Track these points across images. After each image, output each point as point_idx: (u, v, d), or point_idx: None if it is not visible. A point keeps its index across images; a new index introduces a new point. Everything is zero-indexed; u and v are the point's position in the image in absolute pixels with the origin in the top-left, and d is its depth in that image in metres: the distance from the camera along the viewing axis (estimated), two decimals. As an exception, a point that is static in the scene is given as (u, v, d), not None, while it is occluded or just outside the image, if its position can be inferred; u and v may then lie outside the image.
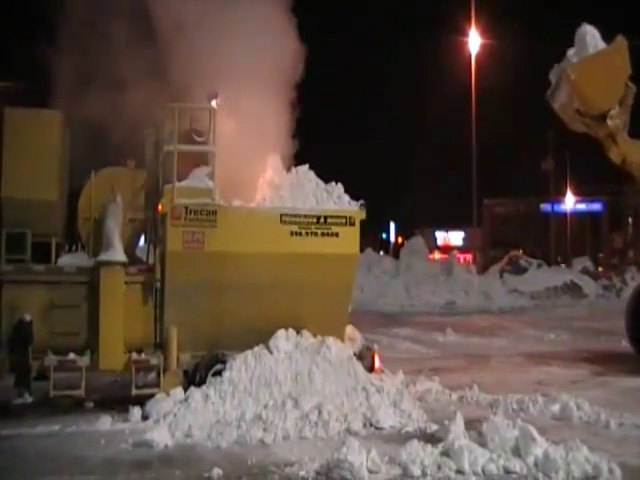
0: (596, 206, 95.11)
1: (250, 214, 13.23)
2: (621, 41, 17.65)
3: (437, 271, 46.72)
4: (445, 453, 9.72)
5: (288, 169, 14.04)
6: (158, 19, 13.79)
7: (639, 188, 19.87)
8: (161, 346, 13.15)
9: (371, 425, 11.97)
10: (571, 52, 18.12)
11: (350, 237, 13.63)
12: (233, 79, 13.90)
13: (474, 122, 58.13)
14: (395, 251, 62.80)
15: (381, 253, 60.51)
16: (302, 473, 9.43)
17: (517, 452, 9.70)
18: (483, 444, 9.89)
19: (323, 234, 13.45)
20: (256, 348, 12.83)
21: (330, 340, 13.14)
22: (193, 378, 12.88)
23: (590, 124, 18.09)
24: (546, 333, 25.91)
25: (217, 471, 9.41)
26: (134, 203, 13.92)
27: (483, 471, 9.41)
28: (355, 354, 13.55)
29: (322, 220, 13.44)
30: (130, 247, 13.76)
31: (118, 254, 13.05)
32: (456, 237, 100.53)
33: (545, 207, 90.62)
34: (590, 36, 17.69)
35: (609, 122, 17.70)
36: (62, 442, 11.07)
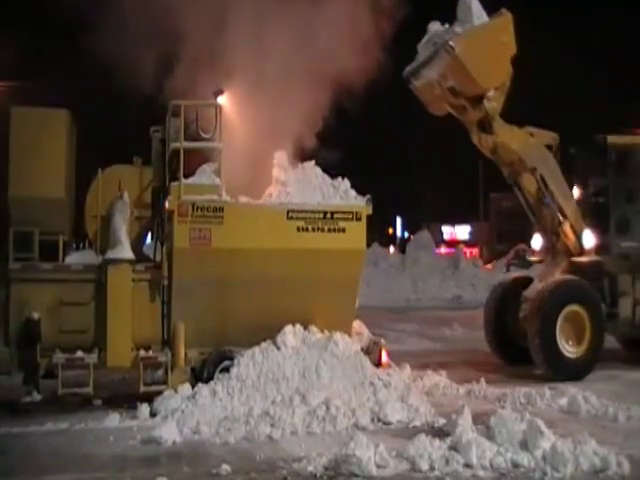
0: (602, 199, 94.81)
1: (257, 210, 13.25)
2: (507, 15, 16.16)
3: (444, 265, 46.71)
4: (453, 447, 9.73)
5: (294, 165, 14.07)
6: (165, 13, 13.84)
7: (512, 181, 17.80)
8: (169, 343, 13.17)
9: (379, 420, 11.98)
10: (435, 26, 16.52)
11: (357, 232, 13.65)
12: (242, 75, 13.95)
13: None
14: (402, 246, 62.72)
15: (391, 248, 60.30)
16: (310, 468, 9.43)
17: (525, 446, 9.70)
18: (491, 438, 9.89)
19: (330, 230, 13.46)
20: (263, 344, 12.86)
21: (337, 335, 13.15)
22: (201, 374, 12.92)
23: (463, 106, 16.60)
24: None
25: (225, 467, 9.43)
26: (141, 200, 13.94)
27: (491, 465, 9.41)
28: (362, 349, 13.58)
29: (329, 216, 13.46)
30: (137, 244, 13.79)
31: (125, 252, 13.09)
32: (462, 231, 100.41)
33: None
34: (476, 6, 16.08)
35: (486, 104, 16.31)
36: (71, 439, 11.10)
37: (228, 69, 14.06)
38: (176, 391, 12.43)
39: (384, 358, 13.88)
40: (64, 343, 12.76)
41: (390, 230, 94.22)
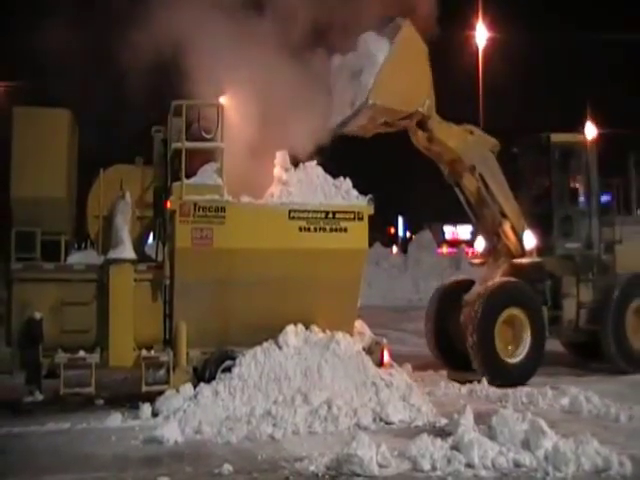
0: (604, 197, 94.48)
1: (258, 210, 13.25)
2: (405, 24, 14.83)
3: (445, 265, 46.64)
4: (455, 447, 9.72)
5: (296, 165, 14.06)
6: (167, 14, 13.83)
7: (452, 181, 17.01)
8: (171, 343, 13.17)
9: (381, 420, 11.98)
10: (336, 60, 15.17)
11: (359, 232, 13.65)
12: (243, 75, 13.94)
13: (482, 114, 57.95)
14: (404, 245, 62.64)
15: (394, 248, 60.13)
16: (312, 468, 9.42)
17: (527, 445, 9.69)
18: (493, 438, 9.89)
19: (332, 229, 13.47)
20: (265, 344, 12.86)
21: (339, 335, 13.15)
22: (203, 374, 12.92)
23: (401, 124, 15.88)
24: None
25: (227, 467, 9.42)
26: (143, 200, 13.95)
27: (493, 465, 9.40)
28: (364, 349, 13.57)
29: (330, 215, 13.46)
30: (139, 244, 13.80)
31: (127, 251, 13.09)
32: (464, 231, 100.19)
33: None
34: (372, 40, 14.85)
35: (420, 110, 15.47)
36: (73, 439, 11.11)
37: (229, 69, 14.03)
38: (178, 391, 12.43)
39: (386, 358, 13.87)
40: (66, 343, 12.78)
41: (392, 230, 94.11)
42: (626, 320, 16.93)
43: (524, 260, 16.56)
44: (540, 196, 17.61)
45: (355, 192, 13.87)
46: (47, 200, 12.98)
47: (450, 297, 17.54)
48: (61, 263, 13.30)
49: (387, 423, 11.93)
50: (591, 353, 17.78)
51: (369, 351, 13.69)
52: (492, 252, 17.53)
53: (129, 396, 13.26)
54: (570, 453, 9.36)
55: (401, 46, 14.76)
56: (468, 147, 16.55)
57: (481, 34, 56.64)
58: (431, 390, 14.39)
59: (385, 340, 14.35)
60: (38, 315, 12.61)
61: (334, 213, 13.50)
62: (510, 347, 15.82)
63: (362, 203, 13.77)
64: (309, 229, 13.36)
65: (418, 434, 10.16)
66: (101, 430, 11.60)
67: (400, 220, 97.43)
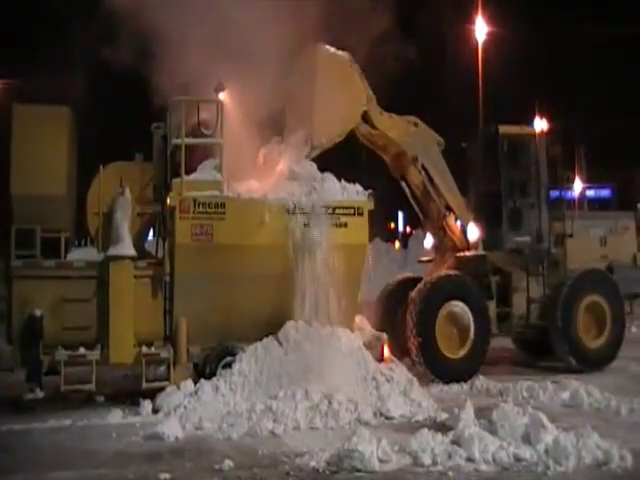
0: (605, 192, 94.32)
1: (258, 206, 13.23)
2: (316, 51, 14.78)
3: (446, 259, 46.56)
4: (455, 441, 9.71)
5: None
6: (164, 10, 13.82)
7: (398, 175, 16.62)
8: (171, 339, 13.18)
9: (381, 415, 11.99)
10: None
11: (359, 227, 13.65)
12: (240, 69, 13.93)
13: (481, 110, 57.84)
14: (404, 240, 62.59)
15: (396, 244, 59.97)
16: (313, 463, 9.41)
17: (527, 439, 9.68)
18: (493, 432, 9.88)
19: (332, 225, 13.45)
20: (266, 339, 12.88)
21: (340, 330, 13.16)
22: (203, 370, 12.93)
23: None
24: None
25: (228, 462, 9.42)
26: (143, 197, 13.95)
27: (494, 459, 9.37)
28: (364, 344, 13.57)
29: (330, 211, 13.45)
30: (139, 241, 13.80)
31: (127, 248, 13.10)
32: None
33: (552, 194, 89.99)
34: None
35: (363, 108, 15.29)
36: (74, 436, 11.11)
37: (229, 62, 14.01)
38: (178, 387, 12.44)
39: (386, 353, 13.88)
40: (67, 340, 12.78)
41: (392, 225, 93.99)
42: (577, 317, 16.38)
43: (467, 253, 16.26)
44: (489, 190, 17.06)
45: (355, 187, 13.85)
46: (47, 197, 12.98)
47: (397, 295, 17.01)
48: (61, 260, 13.30)
49: (388, 418, 11.94)
50: (542, 350, 17.35)
51: (369, 346, 13.68)
52: (439, 248, 17.21)
53: (130, 393, 13.26)
54: (571, 447, 9.35)
55: (322, 74, 14.56)
56: (410, 138, 16.13)
57: (480, 28, 56.27)
58: (431, 385, 14.40)
59: (385, 335, 14.35)
60: (38, 312, 12.62)
61: (334, 208, 13.49)
62: (453, 342, 15.44)
63: (362, 198, 13.77)
64: (309, 224, 13.35)
65: (419, 429, 10.15)
66: (102, 427, 11.61)
67: (400, 215, 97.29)
